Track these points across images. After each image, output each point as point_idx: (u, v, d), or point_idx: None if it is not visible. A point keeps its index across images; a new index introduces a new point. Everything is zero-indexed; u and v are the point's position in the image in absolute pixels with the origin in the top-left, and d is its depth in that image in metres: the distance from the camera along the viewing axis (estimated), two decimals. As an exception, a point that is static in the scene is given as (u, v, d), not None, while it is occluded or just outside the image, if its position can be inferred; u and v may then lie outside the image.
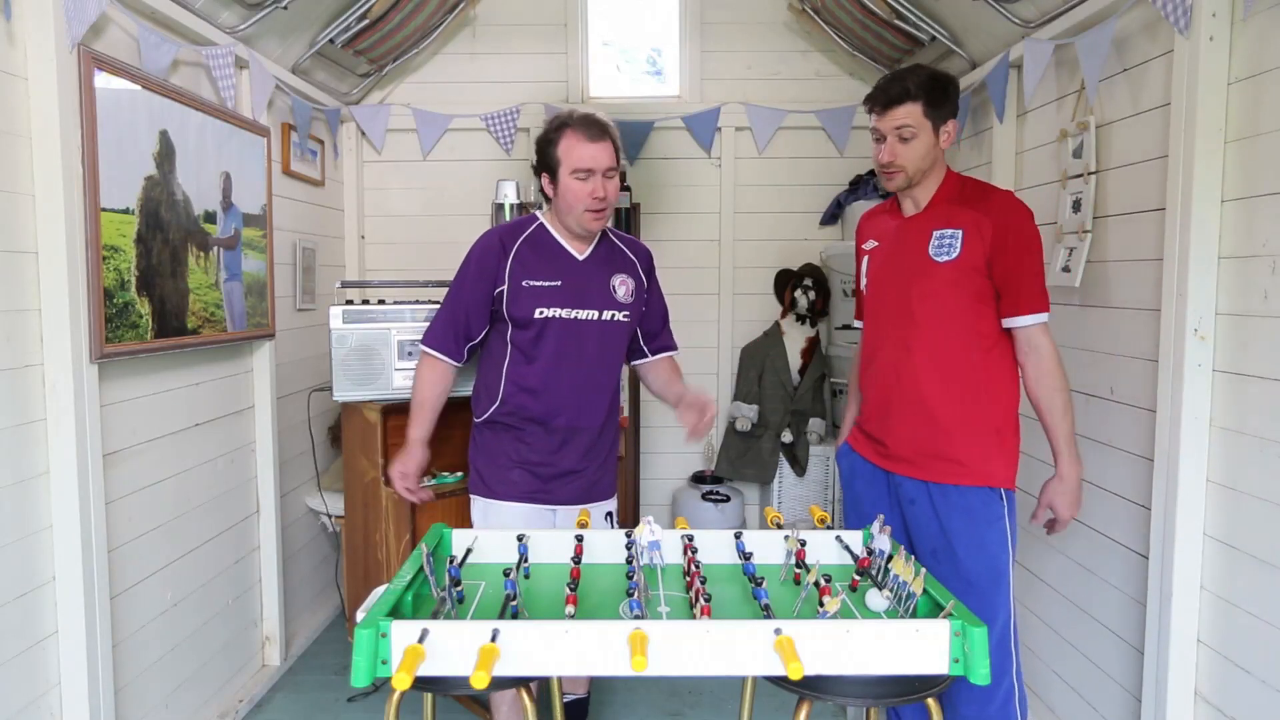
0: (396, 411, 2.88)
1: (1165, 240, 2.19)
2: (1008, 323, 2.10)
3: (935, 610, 1.48)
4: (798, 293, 4.02)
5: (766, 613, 1.49)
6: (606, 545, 1.86)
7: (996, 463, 2.13)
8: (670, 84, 4.40)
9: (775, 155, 4.25)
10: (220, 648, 2.95)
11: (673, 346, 2.58)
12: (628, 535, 1.83)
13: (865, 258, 2.34)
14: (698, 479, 4.20)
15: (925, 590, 1.52)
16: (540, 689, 2.29)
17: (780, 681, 1.38)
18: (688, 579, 1.66)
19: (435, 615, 1.48)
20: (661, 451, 4.35)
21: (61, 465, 2.14)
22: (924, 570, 1.52)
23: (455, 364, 2.38)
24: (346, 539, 3.17)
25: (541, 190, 2.33)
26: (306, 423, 3.59)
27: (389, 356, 2.90)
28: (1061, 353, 2.12)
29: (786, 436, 4.00)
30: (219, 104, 2.81)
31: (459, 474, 3.01)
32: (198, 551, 2.81)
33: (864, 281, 2.35)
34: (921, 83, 2.09)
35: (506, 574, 1.54)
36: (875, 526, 1.76)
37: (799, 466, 4.01)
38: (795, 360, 4.04)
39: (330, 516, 3.63)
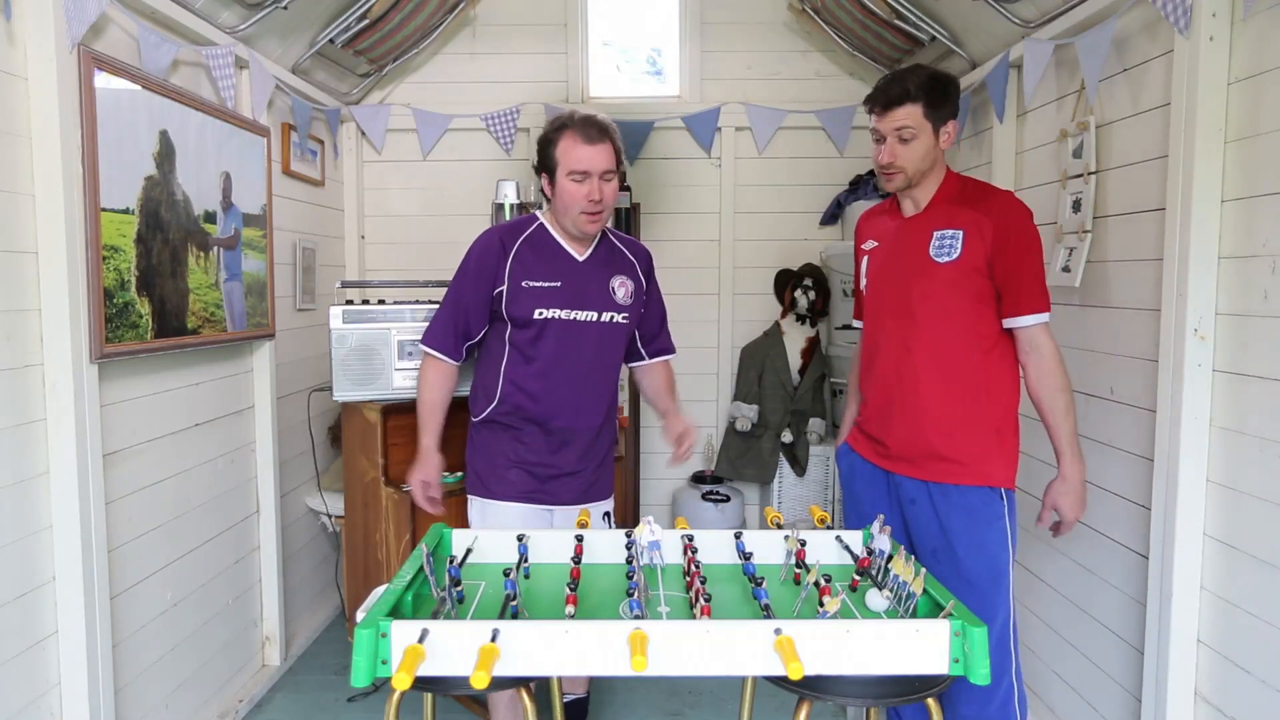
0: (396, 411, 2.88)
1: (1165, 240, 2.19)
2: (1009, 323, 2.10)
3: (935, 610, 1.48)
4: (798, 293, 4.02)
5: (766, 613, 1.49)
6: (606, 545, 1.86)
7: (996, 462, 2.13)
8: (670, 84, 4.40)
9: (775, 155, 4.25)
10: (220, 648, 2.95)
11: (670, 349, 2.57)
12: (628, 535, 1.83)
13: (865, 258, 2.34)
14: (698, 479, 4.20)
15: (925, 590, 1.52)
16: (540, 689, 2.29)
17: (780, 681, 1.38)
18: (688, 579, 1.66)
19: (435, 615, 1.48)
20: (662, 451, 4.32)
21: (61, 465, 2.13)
22: (924, 570, 1.52)
23: (454, 363, 2.37)
24: (346, 539, 3.17)
25: (542, 190, 2.33)
26: (306, 423, 3.59)
27: (389, 356, 2.89)
28: (1062, 353, 2.12)
29: (786, 436, 4.00)
30: (219, 104, 2.81)
31: (459, 474, 3.00)
32: (198, 551, 2.81)
33: (863, 281, 2.35)
34: (921, 83, 2.09)
35: (506, 574, 1.54)
36: (875, 526, 1.76)
37: (799, 466, 4.01)
38: (795, 360, 4.04)
39: (330, 516, 3.63)
